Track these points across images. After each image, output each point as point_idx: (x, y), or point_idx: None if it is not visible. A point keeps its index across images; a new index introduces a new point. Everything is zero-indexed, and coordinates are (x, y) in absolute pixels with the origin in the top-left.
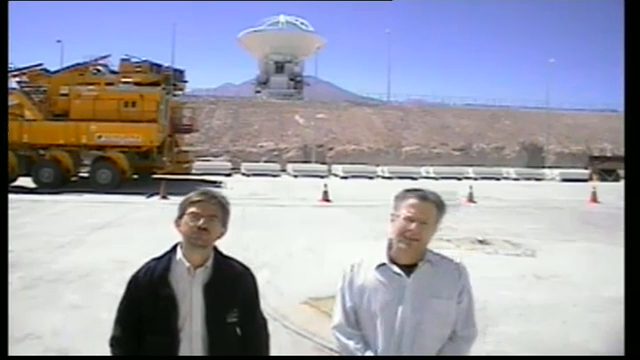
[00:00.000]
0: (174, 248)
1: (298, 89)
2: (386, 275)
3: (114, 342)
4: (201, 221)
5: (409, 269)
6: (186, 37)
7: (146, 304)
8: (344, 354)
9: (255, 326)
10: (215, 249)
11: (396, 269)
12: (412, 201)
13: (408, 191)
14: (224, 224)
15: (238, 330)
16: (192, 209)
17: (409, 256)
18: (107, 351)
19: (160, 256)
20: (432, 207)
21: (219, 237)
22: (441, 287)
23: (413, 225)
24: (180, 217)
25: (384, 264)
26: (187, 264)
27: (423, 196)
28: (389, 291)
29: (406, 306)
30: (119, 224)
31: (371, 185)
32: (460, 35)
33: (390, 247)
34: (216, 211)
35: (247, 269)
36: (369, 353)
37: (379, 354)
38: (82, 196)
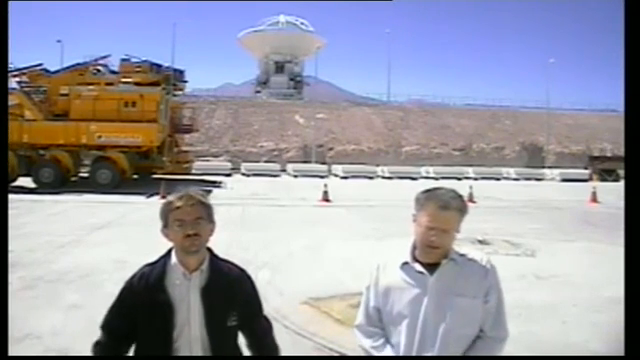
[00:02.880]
0: (168, 253)
1: (298, 89)
2: (409, 274)
3: (98, 348)
4: (189, 228)
5: (433, 268)
6: (186, 37)
7: (142, 311)
8: (363, 353)
9: (259, 330)
10: (210, 252)
11: (419, 268)
12: (433, 211)
13: (429, 197)
14: (211, 220)
15: (240, 333)
16: (176, 217)
17: (432, 257)
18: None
19: (154, 262)
20: (454, 214)
21: (210, 235)
22: (466, 286)
23: (434, 234)
24: (165, 226)
25: (407, 263)
26: (182, 269)
27: (444, 206)
28: (412, 290)
29: (429, 305)
30: (119, 224)
31: (371, 185)
32: (460, 35)
33: (414, 247)
34: (200, 212)
35: (243, 271)
36: (388, 351)
37: (402, 353)
38: (82, 196)
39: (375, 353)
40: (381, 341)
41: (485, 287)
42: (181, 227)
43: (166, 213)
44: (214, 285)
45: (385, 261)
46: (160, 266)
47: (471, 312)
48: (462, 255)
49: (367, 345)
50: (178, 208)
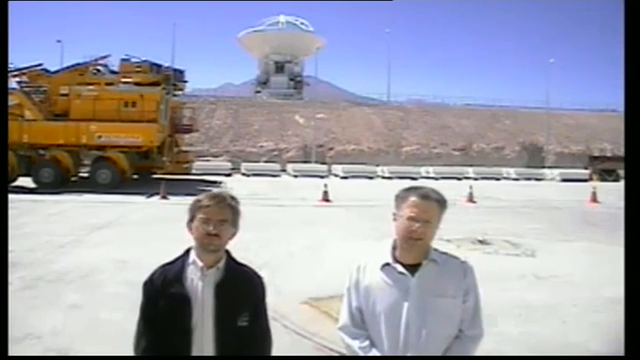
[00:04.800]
0: (187, 252)
1: (298, 89)
2: (391, 275)
3: (142, 341)
4: (211, 227)
5: (413, 268)
6: (186, 37)
7: (161, 304)
8: (349, 354)
9: (259, 332)
10: (228, 253)
11: (400, 269)
12: (414, 200)
13: (409, 190)
14: (235, 225)
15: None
16: (202, 214)
17: (413, 255)
18: (107, 351)
19: (173, 260)
20: (434, 205)
21: (231, 238)
22: (446, 286)
23: (416, 225)
24: (191, 220)
25: (388, 264)
26: (200, 264)
27: (425, 195)
28: (394, 291)
29: (411, 306)
30: (119, 224)
31: (371, 185)
32: (460, 35)
33: (394, 247)
34: (226, 215)
35: (258, 275)
36: (374, 353)
37: (385, 354)
38: (82, 196)
39: (362, 354)
40: (367, 342)
41: (464, 287)
42: (205, 225)
43: (194, 209)
44: (228, 283)
45: (365, 262)
46: (179, 263)
47: (452, 312)
48: (441, 255)
49: (355, 346)
50: (207, 206)
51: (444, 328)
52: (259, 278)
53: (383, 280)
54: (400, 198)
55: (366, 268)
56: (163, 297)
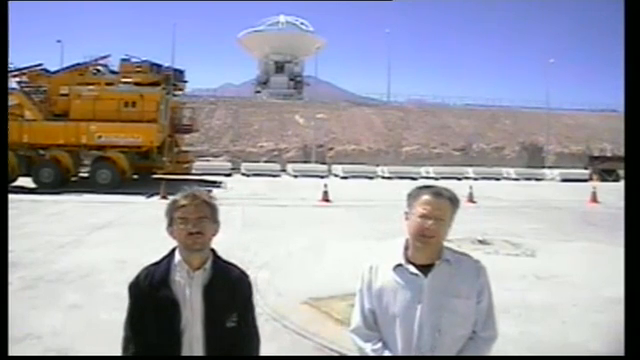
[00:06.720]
0: (172, 252)
1: (298, 89)
2: (403, 276)
3: (130, 346)
4: (191, 225)
5: (426, 269)
6: (186, 37)
7: (149, 307)
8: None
9: (247, 333)
10: (214, 252)
11: (413, 269)
12: (426, 198)
13: (421, 188)
14: (215, 221)
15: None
16: (180, 215)
17: (426, 255)
18: (107, 351)
19: (158, 261)
20: (447, 203)
21: (214, 235)
22: (460, 286)
23: (429, 222)
24: (170, 224)
25: (401, 265)
26: (186, 267)
27: (437, 192)
28: (407, 292)
29: (424, 306)
30: (119, 224)
31: (371, 185)
32: (460, 35)
33: (407, 247)
34: (204, 211)
35: (245, 274)
36: (388, 353)
37: (399, 355)
38: (82, 196)
39: (375, 356)
40: (380, 344)
41: (478, 287)
42: (184, 225)
43: (171, 211)
44: (216, 284)
45: (377, 262)
46: (164, 265)
47: (465, 313)
48: (455, 254)
49: (367, 348)
50: (183, 206)
51: (458, 329)
52: (246, 277)
53: (396, 281)
54: (412, 196)
55: (378, 269)
56: (151, 300)
